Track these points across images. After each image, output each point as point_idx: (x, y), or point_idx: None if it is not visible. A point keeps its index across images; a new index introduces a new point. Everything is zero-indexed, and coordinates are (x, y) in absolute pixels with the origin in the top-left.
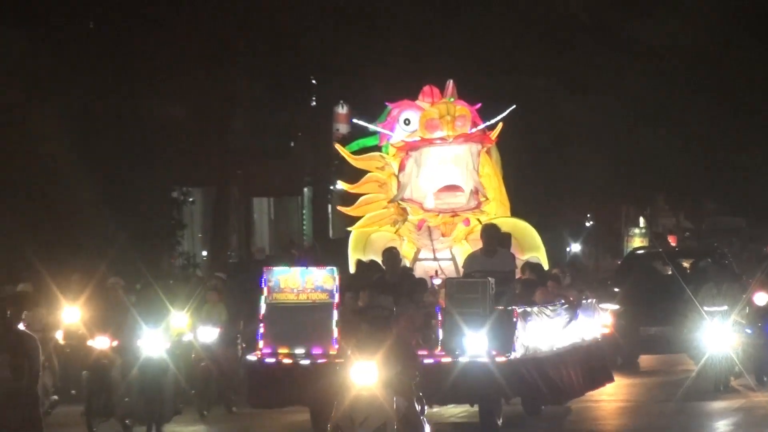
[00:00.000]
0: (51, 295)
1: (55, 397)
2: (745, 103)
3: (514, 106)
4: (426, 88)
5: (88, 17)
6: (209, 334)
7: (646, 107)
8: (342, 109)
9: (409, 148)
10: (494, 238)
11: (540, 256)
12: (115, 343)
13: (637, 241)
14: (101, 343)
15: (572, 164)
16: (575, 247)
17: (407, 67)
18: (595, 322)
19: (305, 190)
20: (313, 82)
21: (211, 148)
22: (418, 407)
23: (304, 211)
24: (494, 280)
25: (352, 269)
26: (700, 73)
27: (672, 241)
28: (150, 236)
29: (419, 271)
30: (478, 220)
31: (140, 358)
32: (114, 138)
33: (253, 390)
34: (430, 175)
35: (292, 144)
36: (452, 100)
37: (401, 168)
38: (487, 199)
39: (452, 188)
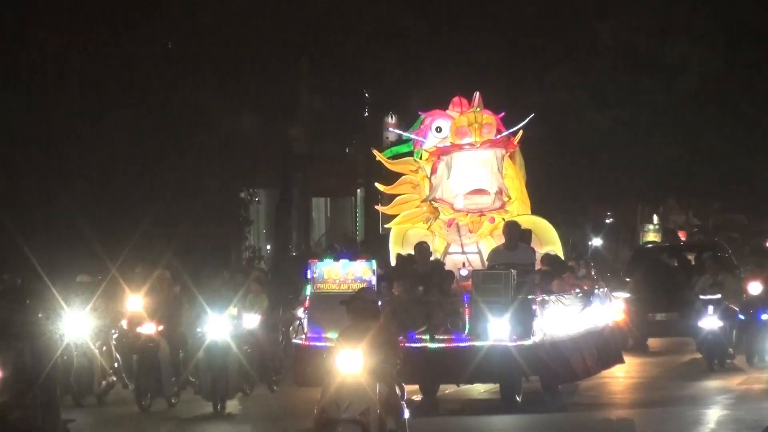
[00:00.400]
0: (117, 286)
1: (113, 378)
2: (747, 115)
3: (533, 115)
4: (455, 99)
5: (164, 33)
6: (252, 321)
7: (660, 118)
8: (391, 119)
9: (440, 152)
10: (515, 234)
11: (556, 249)
12: (161, 328)
13: (651, 235)
14: (148, 329)
15: (595, 168)
16: (597, 241)
17: (441, 81)
18: (608, 309)
19: (358, 191)
20: (366, 95)
21: (275, 154)
22: (398, 392)
23: (357, 210)
24: (515, 271)
25: (392, 262)
26: (709, 88)
27: (682, 236)
28: (221, 232)
29: (449, 263)
30: (502, 218)
31: (205, 342)
32: (190, 144)
33: (299, 370)
34: (460, 177)
35: (347, 150)
36: (479, 109)
37: (433, 171)
38: (510, 198)
39: (479, 191)
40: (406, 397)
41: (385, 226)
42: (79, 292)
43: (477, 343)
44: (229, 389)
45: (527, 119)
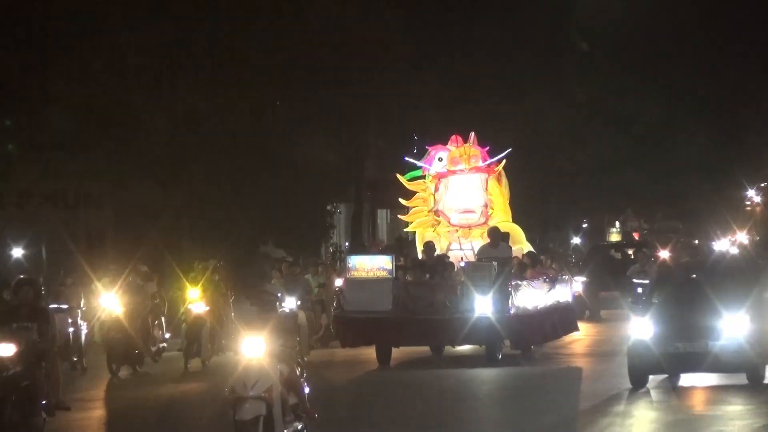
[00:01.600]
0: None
1: (164, 344)
2: (682, 151)
3: (510, 150)
4: (453, 137)
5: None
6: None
7: (620, 153)
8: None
9: (440, 176)
10: (497, 236)
11: (525, 246)
12: (207, 308)
13: (614, 236)
14: (198, 308)
15: (574, 188)
16: (576, 240)
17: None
18: (569, 290)
19: None
20: (415, 137)
21: (352, 178)
22: (298, 371)
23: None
24: (497, 263)
25: (419, 253)
26: (654, 132)
27: (636, 236)
28: (313, 233)
29: (450, 257)
30: (487, 224)
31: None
32: (287, 172)
33: (340, 335)
34: (454, 194)
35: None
36: (470, 144)
37: (436, 190)
38: (493, 210)
39: (468, 210)
40: (305, 376)
41: (404, 230)
42: (139, 280)
43: (467, 315)
44: None
45: (506, 153)
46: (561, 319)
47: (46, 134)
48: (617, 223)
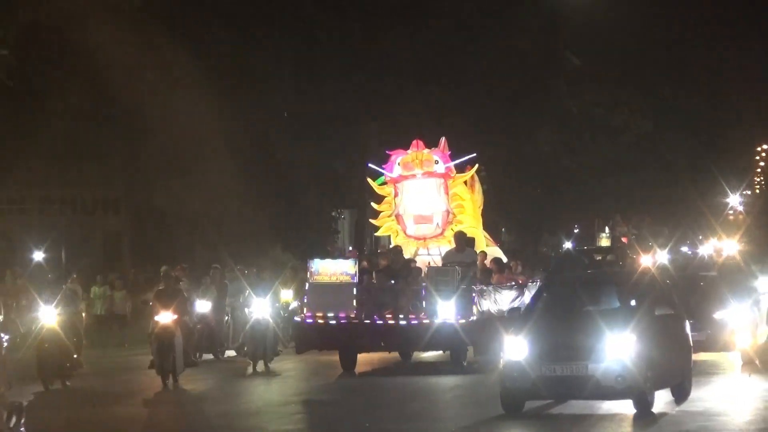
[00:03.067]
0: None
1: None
2: (668, 162)
3: (474, 155)
4: (414, 142)
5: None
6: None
7: (610, 163)
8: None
9: (394, 181)
10: (462, 241)
11: (481, 251)
12: (175, 317)
13: (604, 240)
14: (165, 317)
15: (567, 195)
16: (568, 244)
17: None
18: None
19: None
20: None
21: (355, 187)
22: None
23: None
24: (461, 268)
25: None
26: (642, 143)
27: (624, 240)
28: (319, 237)
29: (419, 262)
30: (451, 228)
31: (251, 319)
32: (297, 178)
33: (299, 340)
34: (409, 200)
35: None
36: (426, 151)
37: (396, 194)
38: (455, 215)
39: (425, 218)
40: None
41: (375, 234)
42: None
43: (430, 321)
44: (268, 354)
45: (467, 158)
46: None
47: (65, 143)
48: (606, 229)
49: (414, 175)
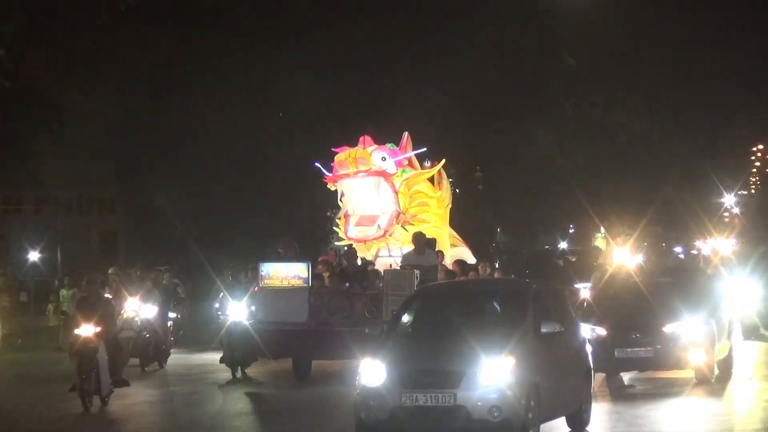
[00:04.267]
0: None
1: None
2: (663, 162)
3: (425, 149)
4: (362, 138)
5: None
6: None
7: (605, 163)
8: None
9: (331, 180)
10: (422, 242)
11: (444, 253)
12: (98, 329)
13: (599, 240)
14: (86, 330)
15: (562, 195)
16: (563, 245)
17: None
18: None
19: None
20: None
21: None
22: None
23: None
24: (419, 271)
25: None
26: (636, 143)
27: (620, 240)
28: (314, 237)
29: (379, 264)
30: (404, 228)
31: (228, 323)
32: (292, 177)
33: (230, 349)
34: (353, 199)
35: None
36: (373, 148)
37: (341, 194)
38: (404, 213)
39: (368, 219)
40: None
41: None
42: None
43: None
44: (245, 359)
45: (414, 152)
46: None
47: (61, 145)
48: (602, 228)
49: (348, 174)
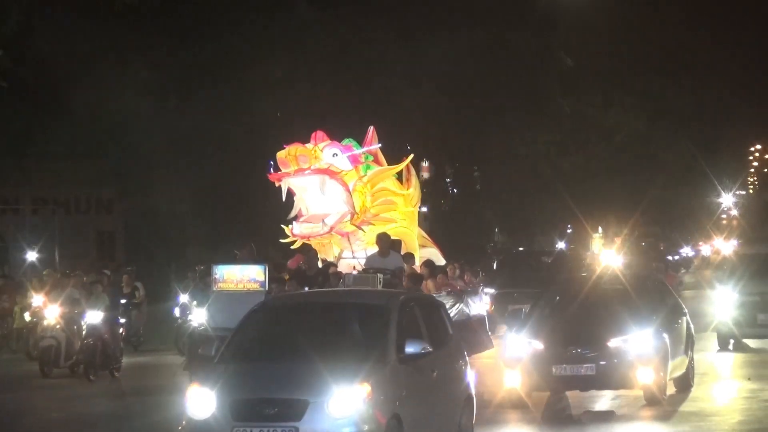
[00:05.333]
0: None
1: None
2: (661, 161)
3: (380, 145)
4: (314, 134)
5: None
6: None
7: (603, 163)
8: (425, 163)
9: (275, 178)
10: (386, 244)
11: (415, 254)
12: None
13: (597, 240)
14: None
15: (560, 196)
16: (561, 245)
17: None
18: (482, 302)
19: None
20: (408, 147)
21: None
22: None
23: None
24: (382, 275)
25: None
26: (635, 144)
27: (617, 240)
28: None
29: (342, 266)
30: (362, 229)
31: (191, 329)
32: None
33: (193, 356)
34: (304, 199)
35: None
36: (324, 144)
37: (293, 193)
38: (362, 213)
39: (317, 217)
40: None
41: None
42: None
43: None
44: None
45: (373, 147)
46: (470, 336)
47: (58, 144)
48: (600, 229)
49: (289, 173)
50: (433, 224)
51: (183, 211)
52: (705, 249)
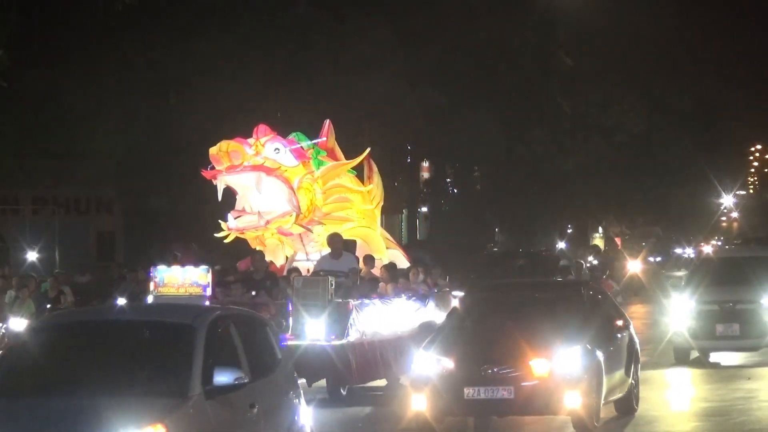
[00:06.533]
0: None
1: None
2: (661, 161)
3: (323, 139)
4: (255, 127)
5: None
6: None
7: (603, 163)
8: (425, 163)
9: (210, 176)
10: (338, 244)
11: (382, 257)
12: None
13: (597, 240)
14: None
15: (560, 195)
16: (561, 244)
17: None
18: (448, 307)
19: (404, 210)
20: (408, 147)
21: None
22: None
23: (402, 224)
24: (333, 278)
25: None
26: (635, 143)
27: (618, 241)
28: None
29: (295, 273)
30: (308, 228)
31: None
32: None
33: None
34: (242, 198)
35: (395, 183)
36: (266, 139)
37: (221, 192)
38: (300, 213)
39: (241, 212)
40: None
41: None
42: None
43: (295, 342)
44: None
45: (316, 141)
46: None
47: (58, 144)
48: (600, 229)
49: (221, 171)
50: (432, 224)
51: (182, 211)
52: (707, 249)
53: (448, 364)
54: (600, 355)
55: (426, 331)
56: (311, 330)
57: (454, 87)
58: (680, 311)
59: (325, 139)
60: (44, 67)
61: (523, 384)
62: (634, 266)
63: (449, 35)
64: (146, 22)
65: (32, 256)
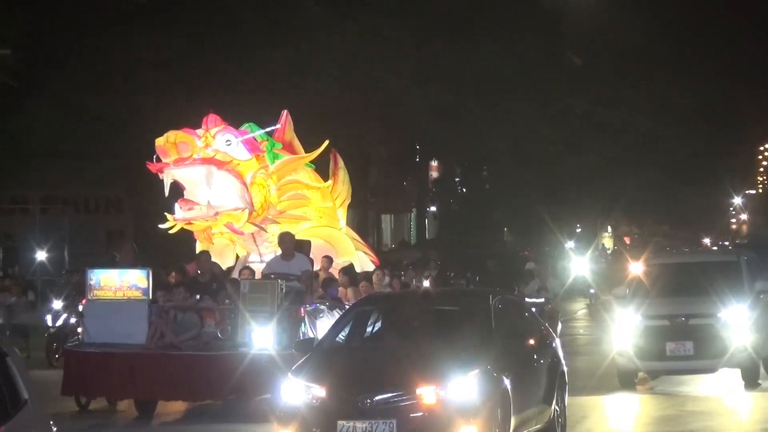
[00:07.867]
0: None
1: None
2: (669, 160)
3: (277, 126)
4: (205, 117)
5: None
6: None
7: (612, 161)
8: (434, 162)
9: (156, 169)
10: (290, 244)
11: (350, 259)
12: None
13: (606, 240)
14: None
15: (568, 194)
16: (570, 244)
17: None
18: None
19: (413, 210)
20: (417, 147)
21: (358, 186)
22: None
23: (411, 223)
24: (283, 281)
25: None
26: (643, 142)
27: (627, 240)
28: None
29: (247, 272)
30: (261, 228)
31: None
32: None
33: (68, 378)
34: (191, 194)
35: (405, 183)
36: (217, 129)
37: (168, 186)
38: (253, 210)
39: (187, 201)
40: None
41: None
42: None
43: (241, 351)
44: None
45: (267, 129)
46: None
47: (67, 143)
48: (609, 228)
49: (168, 164)
50: (442, 224)
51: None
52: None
53: (320, 392)
54: (506, 380)
55: (302, 350)
56: (258, 338)
57: (463, 86)
58: (625, 327)
59: (279, 126)
60: (54, 67)
61: (409, 416)
62: (636, 268)
63: (458, 34)
64: (156, 22)
65: (42, 255)
